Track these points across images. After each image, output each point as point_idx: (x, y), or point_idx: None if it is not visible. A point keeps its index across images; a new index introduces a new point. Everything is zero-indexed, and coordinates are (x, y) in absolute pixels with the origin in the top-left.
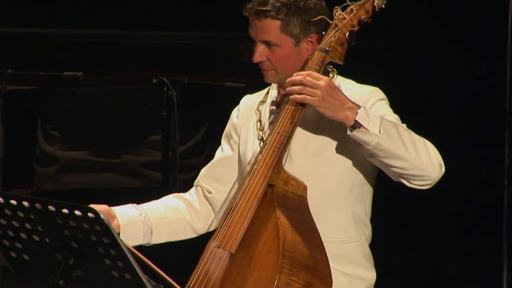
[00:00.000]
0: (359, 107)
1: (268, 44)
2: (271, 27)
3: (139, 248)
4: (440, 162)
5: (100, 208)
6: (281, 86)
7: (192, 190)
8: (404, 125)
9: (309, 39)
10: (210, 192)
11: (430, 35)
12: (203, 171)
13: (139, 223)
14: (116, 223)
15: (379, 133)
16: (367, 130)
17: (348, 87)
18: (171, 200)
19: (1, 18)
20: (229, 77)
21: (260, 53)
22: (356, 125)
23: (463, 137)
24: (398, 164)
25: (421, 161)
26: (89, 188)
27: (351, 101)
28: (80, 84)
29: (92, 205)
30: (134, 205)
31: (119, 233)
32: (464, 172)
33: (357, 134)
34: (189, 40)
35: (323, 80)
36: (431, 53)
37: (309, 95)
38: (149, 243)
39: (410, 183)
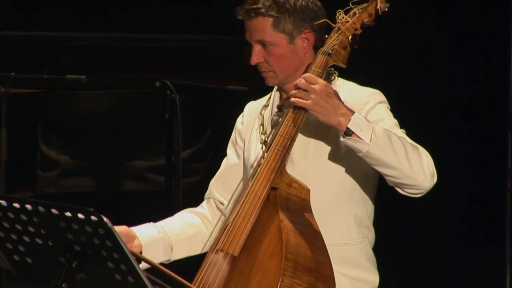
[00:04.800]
0: (353, 113)
1: (263, 44)
2: (263, 26)
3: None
4: (432, 172)
5: (120, 229)
6: (282, 89)
7: (204, 203)
8: (402, 130)
9: (304, 35)
10: (222, 204)
11: (432, 37)
12: (213, 183)
13: (159, 241)
14: (137, 242)
15: (370, 142)
16: (359, 137)
17: (349, 89)
18: (186, 216)
19: (3, 21)
20: (232, 80)
21: (256, 55)
22: (348, 132)
23: (466, 139)
24: (389, 173)
25: (412, 171)
26: (92, 191)
27: (346, 107)
28: (83, 87)
29: None
30: (152, 223)
31: (141, 253)
32: (467, 175)
33: (348, 141)
34: (192, 43)
35: (318, 84)
36: (433, 55)
37: (303, 98)
38: (169, 260)
39: (403, 190)
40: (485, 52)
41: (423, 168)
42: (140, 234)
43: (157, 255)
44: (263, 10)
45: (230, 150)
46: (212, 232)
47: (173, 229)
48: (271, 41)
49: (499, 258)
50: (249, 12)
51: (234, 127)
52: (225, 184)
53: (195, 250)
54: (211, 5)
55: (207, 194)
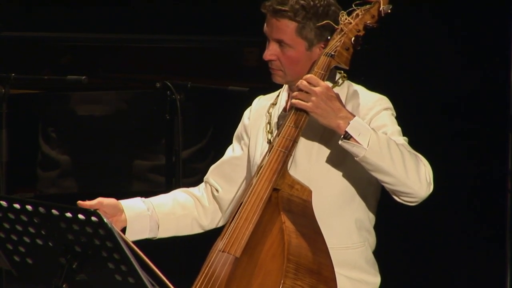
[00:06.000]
0: (353, 117)
1: (280, 43)
2: (286, 28)
3: (146, 240)
4: (429, 181)
5: (108, 201)
6: (291, 89)
7: (202, 185)
8: (404, 138)
9: (322, 45)
10: (217, 191)
11: (432, 37)
12: (212, 168)
13: (146, 217)
14: (123, 217)
15: (367, 147)
16: (356, 142)
17: (356, 93)
18: (180, 195)
19: (3, 21)
20: (233, 81)
21: (271, 52)
22: (347, 136)
23: (466, 140)
24: (384, 179)
25: (408, 179)
26: (92, 192)
27: (346, 110)
28: (83, 88)
29: (100, 198)
30: (143, 199)
31: (125, 227)
32: (467, 176)
33: (345, 144)
34: (192, 44)
35: (320, 87)
36: (433, 55)
37: (303, 100)
38: (155, 237)
39: (399, 198)
40: (485, 52)
41: (420, 177)
42: (127, 209)
43: (142, 231)
44: (290, 14)
45: (235, 142)
46: (202, 217)
47: (162, 207)
48: (291, 44)
49: (499, 258)
50: (276, 12)
51: (241, 120)
52: (222, 173)
53: (182, 231)
54: (211, 5)
55: (205, 177)
